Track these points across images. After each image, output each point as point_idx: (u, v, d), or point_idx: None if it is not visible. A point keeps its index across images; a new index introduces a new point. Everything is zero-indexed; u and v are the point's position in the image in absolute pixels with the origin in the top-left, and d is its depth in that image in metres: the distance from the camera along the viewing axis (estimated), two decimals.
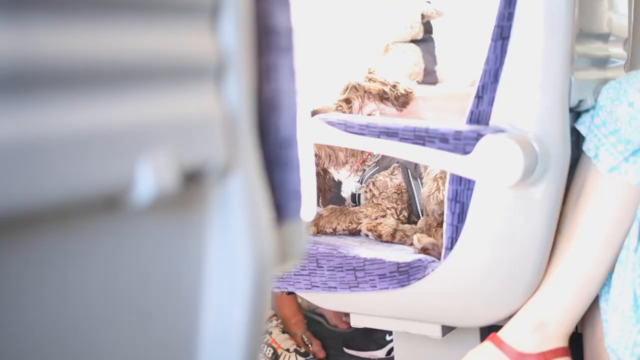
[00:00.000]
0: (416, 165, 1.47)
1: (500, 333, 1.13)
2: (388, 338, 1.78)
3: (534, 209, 1.08)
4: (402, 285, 1.21)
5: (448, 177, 1.14)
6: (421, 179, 1.45)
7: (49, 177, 0.35)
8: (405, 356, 1.41)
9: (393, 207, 1.46)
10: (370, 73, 1.47)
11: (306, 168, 0.56)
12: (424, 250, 1.26)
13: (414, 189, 1.47)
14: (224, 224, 0.47)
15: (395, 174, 1.49)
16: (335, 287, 1.27)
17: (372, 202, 1.48)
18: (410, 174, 1.48)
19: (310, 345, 1.79)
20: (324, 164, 1.46)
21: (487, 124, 1.09)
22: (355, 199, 1.54)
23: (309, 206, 0.56)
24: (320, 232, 1.45)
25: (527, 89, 1.06)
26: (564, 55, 1.04)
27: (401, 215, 1.47)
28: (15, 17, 0.33)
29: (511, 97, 1.07)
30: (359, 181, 1.51)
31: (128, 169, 0.39)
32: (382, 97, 1.43)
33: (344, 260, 1.25)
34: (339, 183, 1.55)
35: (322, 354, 1.81)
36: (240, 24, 0.47)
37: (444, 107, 1.39)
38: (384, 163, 1.50)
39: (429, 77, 2.17)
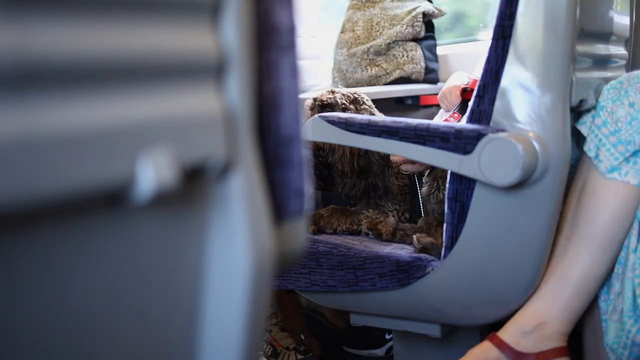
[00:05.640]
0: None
1: (499, 332, 1.13)
2: (387, 337, 1.78)
3: (534, 208, 1.08)
4: (402, 284, 1.21)
5: (448, 176, 1.14)
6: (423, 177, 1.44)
7: (49, 174, 0.35)
8: (404, 355, 1.41)
9: (395, 209, 1.46)
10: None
11: (307, 166, 0.56)
12: (424, 250, 1.26)
13: (417, 188, 1.47)
14: (224, 222, 0.47)
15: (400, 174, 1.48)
16: (335, 286, 1.27)
17: (375, 202, 1.47)
18: (414, 174, 1.48)
19: (307, 344, 1.80)
20: (329, 158, 1.46)
21: (487, 123, 1.09)
22: None
23: (309, 204, 0.56)
24: (320, 231, 1.45)
25: (528, 88, 1.06)
26: (565, 54, 1.04)
27: (402, 217, 1.47)
28: (16, 14, 0.33)
29: (512, 96, 1.07)
30: None
31: (129, 166, 0.39)
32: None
33: (344, 259, 1.25)
34: None
35: (318, 352, 1.81)
36: (241, 22, 0.47)
37: None
38: None
39: (430, 75, 2.17)
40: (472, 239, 1.13)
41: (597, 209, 1.10)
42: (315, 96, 1.47)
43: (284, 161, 0.54)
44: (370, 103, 1.51)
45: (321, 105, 1.45)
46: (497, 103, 1.08)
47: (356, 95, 1.49)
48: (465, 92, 1.52)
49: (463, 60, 2.20)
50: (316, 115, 1.22)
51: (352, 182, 1.43)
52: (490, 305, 1.16)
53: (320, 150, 1.44)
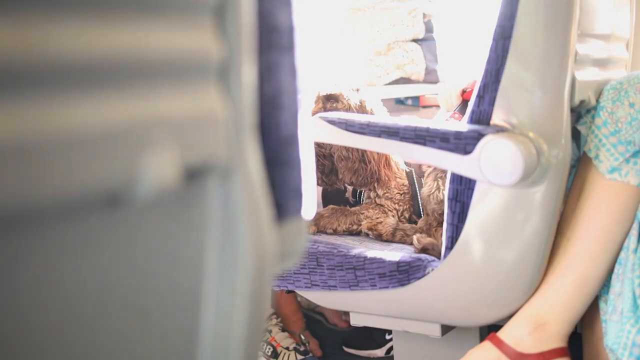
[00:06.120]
0: (420, 165, 1.48)
1: (499, 333, 1.13)
2: (387, 337, 1.78)
3: (534, 208, 1.08)
4: (402, 284, 1.21)
5: (448, 176, 1.14)
6: (423, 178, 1.45)
7: (50, 174, 0.35)
8: (404, 355, 1.41)
9: (395, 209, 1.46)
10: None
11: (307, 166, 0.56)
12: (424, 250, 1.26)
13: (417, 189, 1.47)
14: (225, 222, 0.47)
15: (400, 174, 1.49)
16: (335, 286, 1.27)
17: (375, 202, 1.47)
18: (414, 174, 1.48)
19: (307, 344, 1.80)
20: (331, 147, 1.46)
21: (488, 123, 1.09)
22: (356, 194, 1.54)
23: (309, 204, 0.57)
24: (320, 232, 1.45)
25: (528, 89, 1.06)
26: (566, 55, 1.04)
27: (402, 217, 1.47)
28: (17, 12, 0.33)
29: (512, 96, 1.07)
30: None
31: (130, 165, 0.39)
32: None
33: (344, 259, 1.25)
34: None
35: (319, 353, 1.81)
36: (243, 23, 0.47)
37: None
38: None
39: (430, 76, 2.18)
40: (472, 239, 1.13)
41: (597, 209, 1.10)
42: (319, 89, 1.48)
43: (284, 161, 0.54)
44: (371, 94, 1.53)
45: (326, 97, 1.46)
46: (497, 103, 1.08)
47: (358, 87, 1.51)
48: (465, 93, 1.52)
49: (463, 61, 2.20)
50: (317, 115, 1.22)
51: (355, 166, 1.43)
52: (490, 305, 1.16)
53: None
